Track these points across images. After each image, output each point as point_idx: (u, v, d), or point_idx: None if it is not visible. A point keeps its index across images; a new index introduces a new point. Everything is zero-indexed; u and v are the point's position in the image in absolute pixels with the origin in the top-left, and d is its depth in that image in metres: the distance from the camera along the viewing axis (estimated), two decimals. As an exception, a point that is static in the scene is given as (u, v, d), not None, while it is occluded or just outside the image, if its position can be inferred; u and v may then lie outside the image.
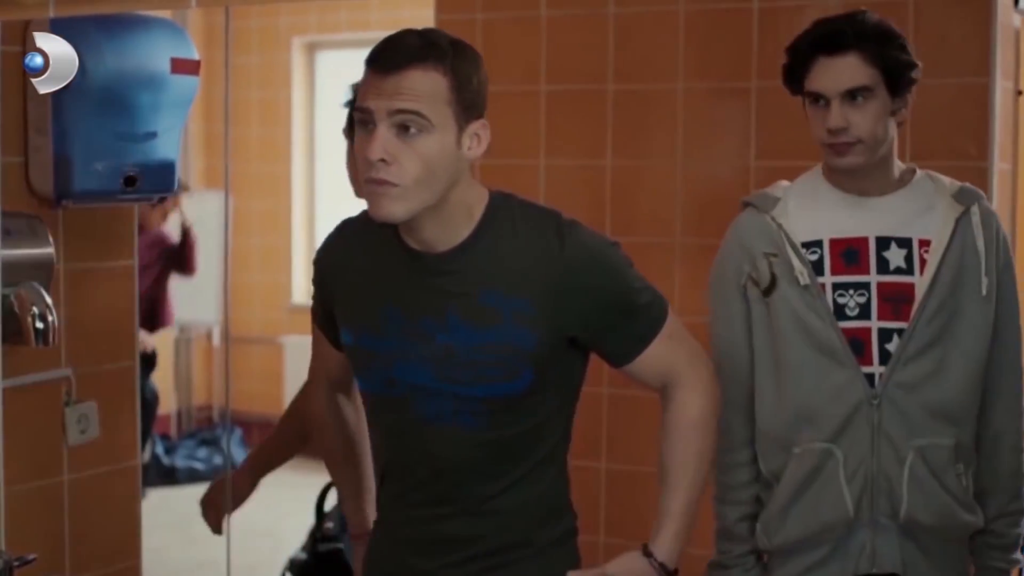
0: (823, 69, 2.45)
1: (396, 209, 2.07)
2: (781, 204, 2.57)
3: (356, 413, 2.50)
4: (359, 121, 2.09)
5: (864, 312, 2.50)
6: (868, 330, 2.50)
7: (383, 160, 2.05)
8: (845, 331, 2.50)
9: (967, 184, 2.57)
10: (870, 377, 2.49)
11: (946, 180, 2.57)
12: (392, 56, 2.06)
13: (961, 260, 2.49)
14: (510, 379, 2.16)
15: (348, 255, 2.28)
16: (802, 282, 2.50)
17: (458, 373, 2.16)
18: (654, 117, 3.71)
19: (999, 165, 3.31)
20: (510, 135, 3.80)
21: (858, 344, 2.49)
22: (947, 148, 3.30)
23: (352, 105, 2.43)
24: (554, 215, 2.22)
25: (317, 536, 5.18)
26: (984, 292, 2.50)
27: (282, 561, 5.35)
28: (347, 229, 2.33)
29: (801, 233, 2.54)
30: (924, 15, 3.31)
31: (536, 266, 2.14)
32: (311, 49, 8.24)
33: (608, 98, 3.74)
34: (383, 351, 2.21)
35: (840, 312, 2.50)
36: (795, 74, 2.49)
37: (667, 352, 2.26)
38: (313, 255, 2.39)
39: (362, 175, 2.09)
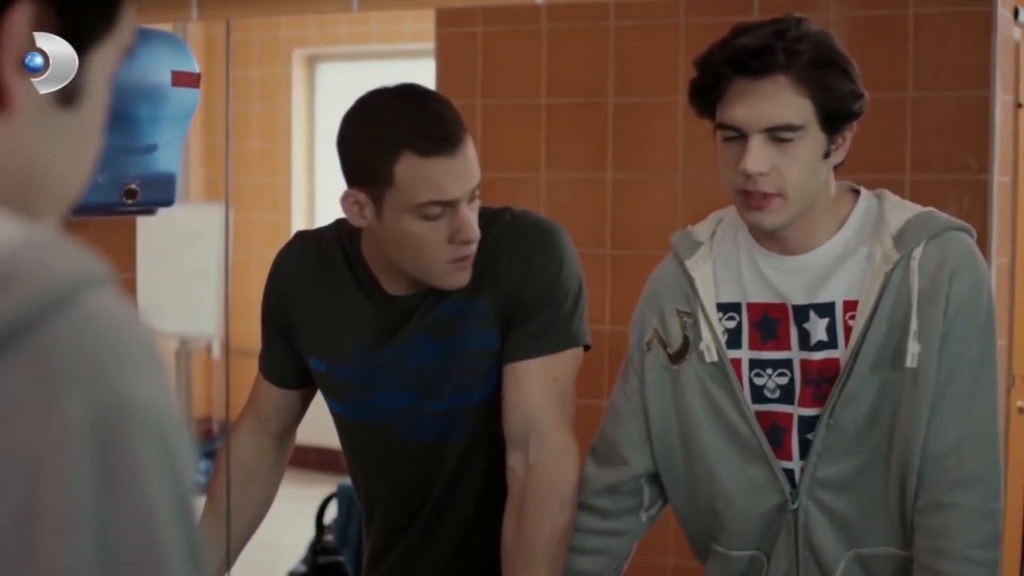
0: (741, 95, 1.89)
1: (467, 277, 2.08)
2: (702, 250, 2.07)
3: (260, 480, 2.36)
4: (431, 211, 2.01)
5: (786, 395, 2.01)
6: (790, 416, 2.00)
7: (476, 240, 2.05)
8: (763, 417, 2.01)
9: (926, 211, 2.00)
10: (791, 474, 2.01)
11: (899, 210, 2.00)
12: (455, 132, 2.01)
13: (893, 323, 1.94)
14: (483, 382, 2.16)
15: (309, 279, 2.24)
16: (708, 358, 2.03)
17: (437, 388, 2.16)
18: (655, 130, 3.71)
19: (999, 178, 3.31)
20: (510, 148, 3.80)
21: (778, 433, 2.01)
22: (947, 161, 3.30)
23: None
24: (504, 211, 2.19)
25: (317, 549, 5.20)
26: (910, 362, 1.92)
27: (282, 574, 5.35)
28: (303, 247, 2.28)
29: (721, 290, 2.05)
30: (924, 28, 3.31)
31: (488, 265, 2.12)
32: (311, 61, 8.24)
33: (609, 111, 3.74)
34: (359, 383, 2.20)
35: (759, 395, 2.02)
36: (705, 95, 1.94)
37: (543, 390, 2.11)
38: None
39: (444, 257, 2.05)
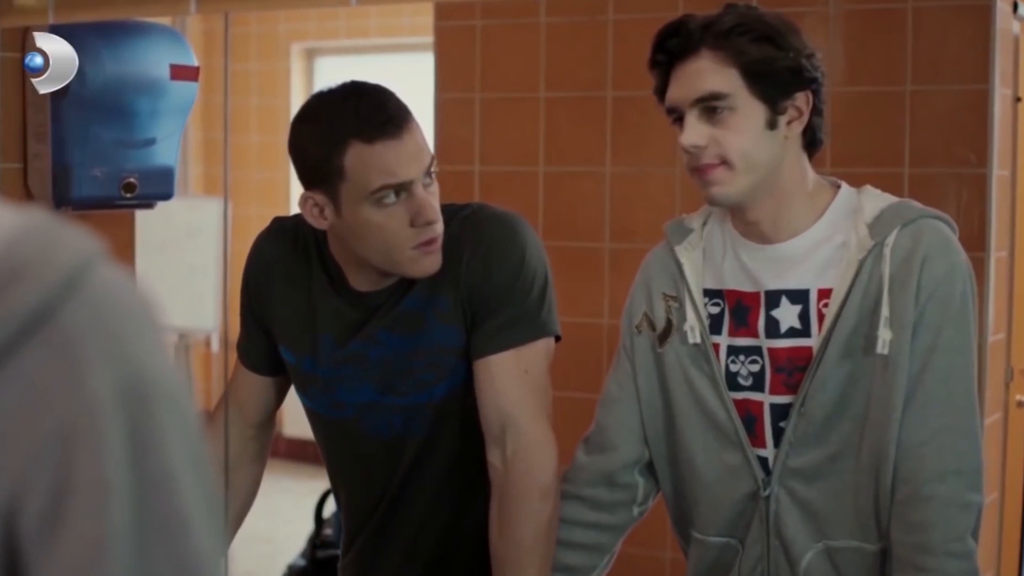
0: (675, 79, 1.97)
1: (438, 261, 2.09)
2: (693, 237, 2.10)
3: (243, 470, 2.35)
4: (386, 196, 2.03)
5: (758, 383, 2.02)
6: (760, 404, 2.02)
7: (436, 220, 2.05)
8: (737, 404, 2.02)
9: (902, 201, 2.00)
10: (765, 462, 2.02)
11: (875, 200, 2.00)
12: (398, 116, 2.03)
13: (864, 310, 1.94)
14: (446, 378, 2.16)
15: (283, 268, 2.25)
16: (691, 339, 2.05)
17: (399, 384, 2.16)
18: (653, 124, 3.70)
19: (998, 172, 3.31)
20: (509, 142, 3.80)
21: (751, 421, 2.02)
22: (946, 155, 3.30)
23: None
24: (465, 207, 2.19)
25: (316, 543, 5.20)
26: (881, 348, 1.91)
27: (280, 568, 5.36)
28: (280, 235, 2.28)
29: (707, 277, 2.07)
30: (923, 22, 3.31)
31: (448, 260, 2.12)
32: (310, 55, 8.24)
33: (607, 105, 3.74)
34: (323, 376, 2.21)
35: (733, 381, 2.03)
36: (659, 92, 2.02)
37: (516, 383, 2.10)
38: None
39: (408, 242, 2.06)
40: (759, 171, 1.94)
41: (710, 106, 1.92)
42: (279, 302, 2.25)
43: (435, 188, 2.07)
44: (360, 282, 2.17)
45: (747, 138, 1.92)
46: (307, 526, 5.42)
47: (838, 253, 1.97)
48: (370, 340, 2.16)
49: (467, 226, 2.14)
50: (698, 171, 1.96)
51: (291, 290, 2.23)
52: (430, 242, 2.06)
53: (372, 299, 2.17)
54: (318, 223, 2.09)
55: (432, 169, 2.06)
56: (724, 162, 1.93)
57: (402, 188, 2.03)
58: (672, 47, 1.96)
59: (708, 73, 1.92)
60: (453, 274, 2.12)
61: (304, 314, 2.21)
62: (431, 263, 2.08)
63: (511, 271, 2.12)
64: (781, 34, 1.94)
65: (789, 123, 1.95)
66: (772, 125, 1.94)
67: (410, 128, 2.04)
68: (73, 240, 0.80)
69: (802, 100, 1.95)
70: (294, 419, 2.43)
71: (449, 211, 2.14)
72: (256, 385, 2.33)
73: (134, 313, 0.82)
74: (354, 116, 2.02)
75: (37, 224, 0.80)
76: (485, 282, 2.11)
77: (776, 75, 1.92)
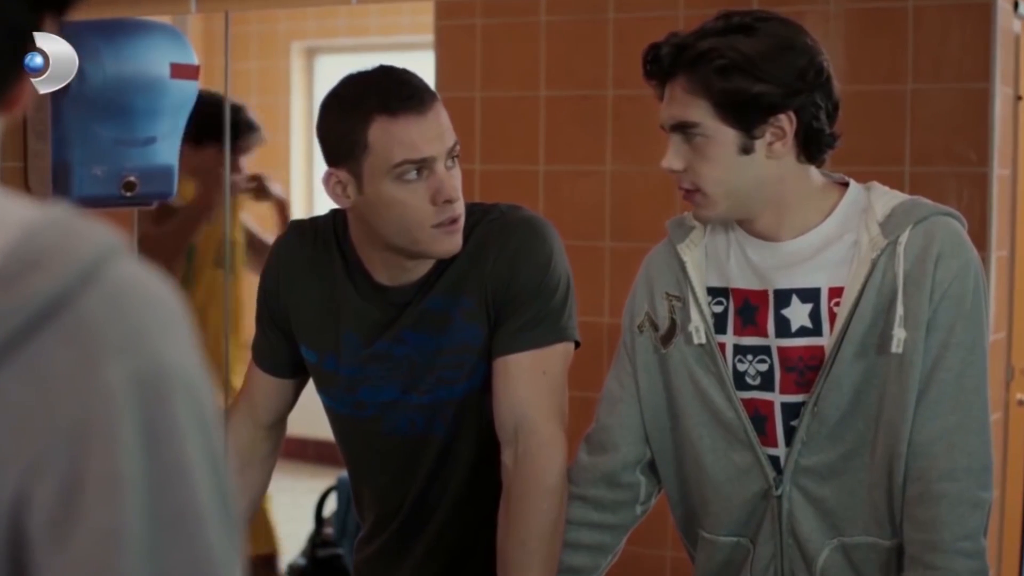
0: (664, 95, 1.99)
1: (458, 242, 2.09)
2: (694, 235, 2.08)
3: (253, 470, 2.33)
4: (408, 172, 2.04)
5: (767, 382, 2.01)
6: (771, 404, 2.01)
7: (457, 199, 2.07)
8: (746, 404, 2.01)
9: (913, 199, 1.99)
10: (776, 461, 2.02)
11: (885, 198, 1.99)
12: (423, 94, 2.06)
13: (879, 309, 1.93)
14: (467, 377, 2.16)
15: (304, 267, 2.25)
16: (696, 340, 2.03)
17: (421, 382, 2.17)
18: (654, 123, 3.69)
19: (999, 171, 3.31)
20: (509, 140, 3.80)
21: (760, 420, 2.02)
22: (947, 154, 3.30)
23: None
24: (493, 208, 2.20)
25: (316, 542, 5.20)
26: (896, 348, 1.91)
27: (281, 567, 5.35)
28: (298, 234, 2.29)
29: (710, 275, 2.06)
30: (924, 21, 3.31)
31: (475, 260, 2.13)
32: (310, 54, 8.24)
33: (608, 104, 3.74)
34: (347, 375, 2.21)
35: (740, 381, 2.02)
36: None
37: (532, 384, 2.10)
38: None
39: (428, 220, 2.06)
40: (738, 194, 1.95)
41: (685, 132, 1.94)
42: (299, 300, 2.25)
43: (457, 172, 2.09)
44: (382, 275, 2.17)
45: (719, 166, 1.93)
46: (307, 525, 5.41)
47: (849, 252, 1.96)
48: (395, 339, 2.17)
49: (495, 228, 2.15)
50: (681, 192, 1.99)
51: (312, 287, 2.23)
52: (451, 222, 2.07)
53: (396, 295, 2.17)
54: (340, 201, 2.11)
55: (455, 153, 2.08)
56: (698, 190, 1.95)
57: (424, 165, 2.04)
58: (652, 72, 1.98)
59: (679, 102, 1.94)
60: (479, 274, 2.13)
61: (326, 311, 2.21)
62: (451, 243, 2.09)
63: (536, 273, 2.13)
64: (756, 61, 1.89)
65: (771, 144, 1.92)
66: (747, 150, 1.92)
67: (435, 107, 2.06)
68: (93, 233, 0.80)
69: (784, 121, 1.91)
70: (294, 418, 2.43)
71: (477, 211, 2.15)
72: (270, 386, 2.33)
73: (154, 306, 0.81)
74: (380, 91, 2.06)
75: (57, 216, 0.81)
76: (510, 283, 2.12)
77: (747, 105, 1.89)
